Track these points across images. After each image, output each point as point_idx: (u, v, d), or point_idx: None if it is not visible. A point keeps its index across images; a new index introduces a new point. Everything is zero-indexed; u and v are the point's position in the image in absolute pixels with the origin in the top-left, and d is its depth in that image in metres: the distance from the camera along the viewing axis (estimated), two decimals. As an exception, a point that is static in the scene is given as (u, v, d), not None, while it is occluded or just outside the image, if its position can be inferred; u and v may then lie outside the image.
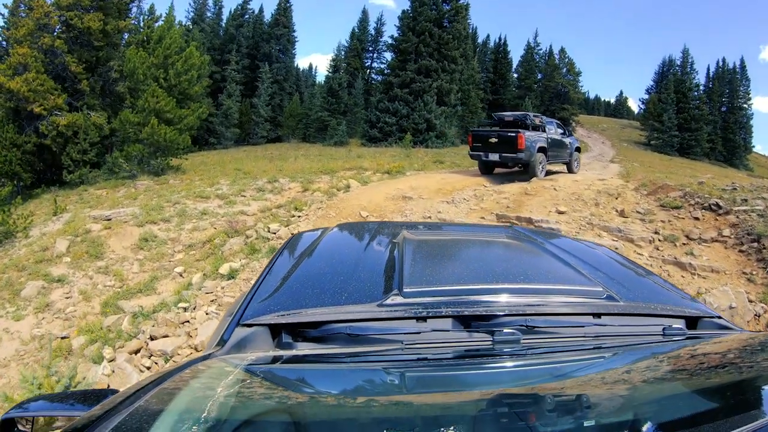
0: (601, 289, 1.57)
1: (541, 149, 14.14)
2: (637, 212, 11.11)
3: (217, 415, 0.87)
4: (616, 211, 11.19)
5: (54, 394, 2.50)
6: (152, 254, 9.50)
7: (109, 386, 5.29)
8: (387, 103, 31.49)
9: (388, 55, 41.40)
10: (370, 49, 51.55)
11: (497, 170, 15.62)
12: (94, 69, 21.83)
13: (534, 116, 14.78)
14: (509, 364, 1.32)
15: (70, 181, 18.92)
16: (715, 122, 50.13)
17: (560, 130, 15.88)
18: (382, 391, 1.13)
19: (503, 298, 1.47)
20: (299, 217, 10.22)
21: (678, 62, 51.85)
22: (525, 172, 14.27)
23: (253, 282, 2.09)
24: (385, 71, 35.67)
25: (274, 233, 9.03)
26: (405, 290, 1.45)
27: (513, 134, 13.28)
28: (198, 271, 8.25)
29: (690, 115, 47.29)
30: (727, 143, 51.08)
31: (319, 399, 1.08)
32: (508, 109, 47.91)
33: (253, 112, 40.97)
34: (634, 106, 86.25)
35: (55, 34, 20.29)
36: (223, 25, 47.68)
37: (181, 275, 8.35)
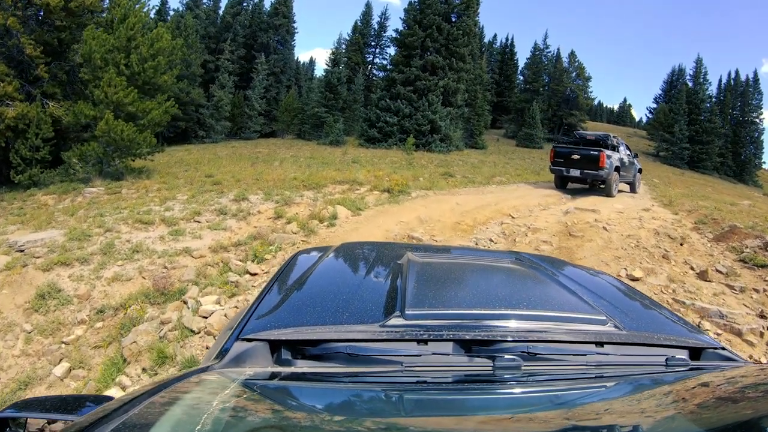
0: (605, 317, 1.51)
1: (616, 168, 14.42)
2: (718, 271, 8.16)
3: (212, 428, 0.83)
4: (692, 269, 8.19)
5: (48, 397, 2.37)
6: (47, 322, 6.35)
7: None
8: (388, 101, 28.12)
9: (391, 51, 38.12)
10: (373, 44, 48.05)
11: (521, 196, 12.77)
12: (57, 53, 18.52)
13: (612, 137, 15.32)
14: (509, 390, 1.27)
15: (19, 183, 15.65)
16: (727, 136, 47.12)
17: (628, 152, 16.21)
18: (379, 413, 1.09)
19: (505, 324, 1.41)
20: (254, 275, 6.95)
21: (690, 72, 48.80)
22: (595, 188, 14.94)
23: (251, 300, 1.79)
24: (388, 67, 32.19)
25: (205, 318, 5.60)
26: (407, 312, 1.40)
27: (596, 153, 13.68)
28: (86, 377, 5.07)
29: (702, 128, 44.43)
30: (737, 158, 48.14)
31: (315, 417, 1.01)
32: (513, 112, 45.38)
33: (247, 105, 37.54)
34: (636, 113, 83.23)
35: (9, 11, 16.94)
36: (221, 13, 44.11)
37: (61, 380, 5.19)
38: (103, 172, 15.25)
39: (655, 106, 54.23)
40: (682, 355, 1.48)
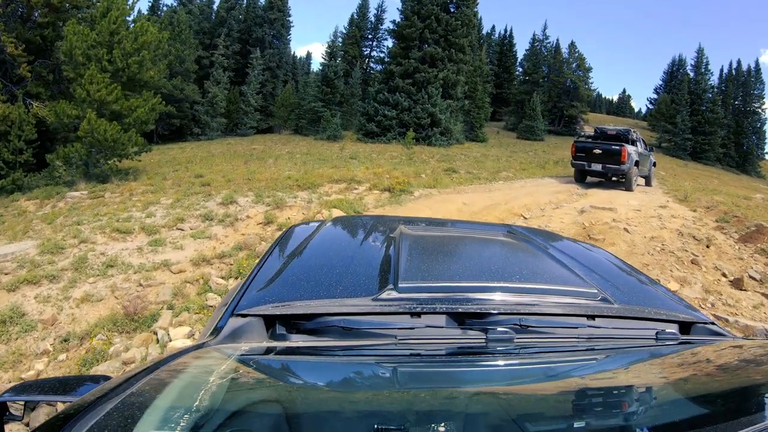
0: (596, 291, 1.52)
1: (635, 163, 14.48)
2: (752, 278, 7.48)
3: (210, 403, 0.84)
4: (725, 276, 7.41)
5: (46, 379, 2.08)
6: (8, 353, 5.49)
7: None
8: (387, 94, 27.13)
9: (388, 44, 37.06)
10: (370, 36, 46.93)
11: (530, 192, 11.86)
12: (40, 51, 17.56)
13: (632, 131, 15.39)
14: (502, 362, 1.26)
15: (2, 187, 14.77)
16: (729, 126, 46.15)
17: (643, 146, 16.35)
18: (373, 385, 1.09)
19: (498, 297, 1.40)
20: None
21: (692, 61, 47.73)
22: (611, 181, 15.00)
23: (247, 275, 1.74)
24: (386, 59, 31.15)
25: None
26: (400, 285, 1.39)
27: (617, 147, 13.82)
28: None
29: (704, 118, 43.47)
30: (740, 149, 47.20)
31: (311, 391, 1.04)
32: (512, 104, 44.37)
33: (242, 101, 36.52)
34: (635, 104, 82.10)
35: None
36: (215, 8, 42.95)
37: None
38: (89, 174, 14.36)
39: (655, 96, 53.20)
40: (672, 329, 1.48)
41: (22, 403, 1.42)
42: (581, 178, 15.34)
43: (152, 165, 17.72)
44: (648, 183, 16.87)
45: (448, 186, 12.20)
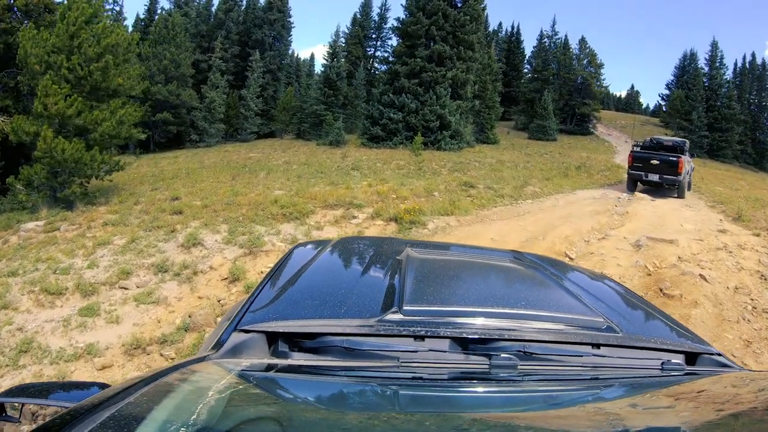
0: (602, 319, 1.48)
1: (687, 172, 14.65)
2: None
3: (207, 418, 0.82)
4: None
5: (45, 383, 2.22)
6: None
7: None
8: (392, 95, 24.60)
9: (393, 42, 34.53)
10: (373, 36, 44.40)
11: (567, 216, 9.54)
12: (4, 61, 15.33)
13: (686, 142, 15.73)
14: (504, 388, 1.23)
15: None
16: (746, 122, 43.28)
17: (689, 154, 15.91)
18: (374, 407, 1.05)
19: (503, 323, 1.37)
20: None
21: (705, 56, 44.84)
22: (670, 191, 14.74)
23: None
24: (390, 59, 28.59)
25: None
26: (405, 308, 1.36)
27: (674, 159, 13.85)
28: None
29: (720, 114, 40.64)
30: (757, 145, 44.29)
31: (310, 410, 0.99)
32: (522, 102, 41.74)
33: (242, 105, 34.18)
34: (643, 100, 79.00)
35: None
36: (213, 10, 40.57)
37: None
38: (56, 198, 12.11)
39: (667, 92, 50.31)
40: (678, 359, 1.41)
41: (19, 405, 1.38)
42: (633, 187, 14.94)
43: (133, 181, 15.45)
44: (689, 187, 16.32)
45: (468, 211, 9.72)
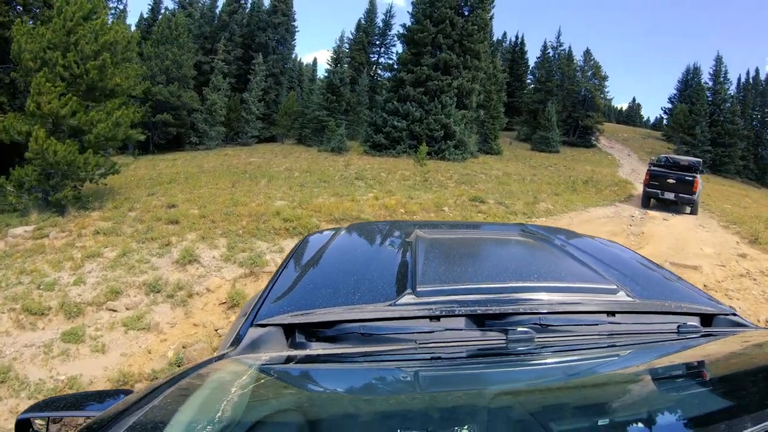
0: (616, 286, 1.46)
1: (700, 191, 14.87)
2: None
3: (232, 414, 0.81)
4: None
5: (69, 395, 1.88)
6: None
7: None
8: (396, 103, 24.07)
9: (398, 49, 34.01)
10: (378, 42, 43.99)
11: None
12: (1, 55, 14.72)
13: (700, 162, 15.58)
14: (523, 362, 1.21)
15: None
16: (749, 138, 42.96)
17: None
18: (395, 390, 1.05)
19: (517, 297, 1.36)
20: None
21: (710, 70, 44.53)
22: (681, 207, 14.83)
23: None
24: (395, 66, 28.05)
25: None
26: (418, 289, 1.35)
27: (690, 178, 14.11)
28: None
29: (723, 129, 40.29)
30: (759, 161, 43.96)
31: (332, 398, 0.99)
32: (525, 113, 41.30)
33: (244, 108, 33.59)
34: (644, 113, 78.64)
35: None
36: (218, 12, 40.01)
37: None
38: (48, 201, 11.48)
39: (670, 106, 50.07)
40: (694, 321, 1.40)
41: (45, 419, 1.35)
42: (647, 203, 15.17)
43: (130, 184, 14.83)
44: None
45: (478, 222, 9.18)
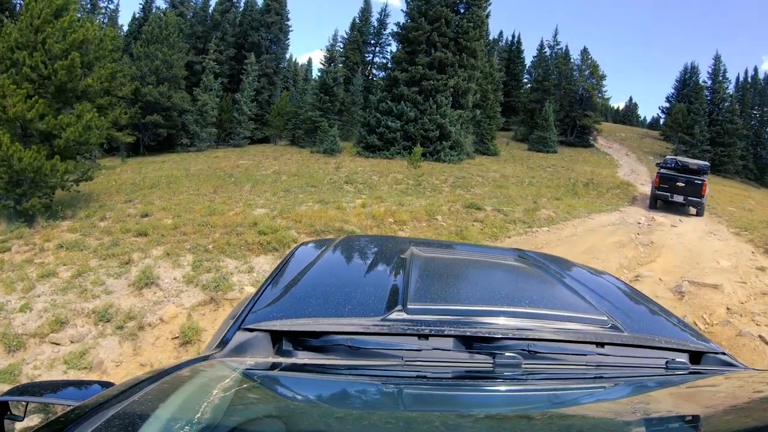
0: (606, 318, 1.41)
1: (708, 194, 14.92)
2: None
3: (211, 416, 0.80)
4: None
5: (48, 381, 2.13)
6: None
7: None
8: (390, 103, 23.29)
9: (392, 48, 33.25)
10: (372, 42, 43.17)
11: (589, 249, 8.37)
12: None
13: (708, 165, 15.79)
14: (509, 387, 1.19)
15: None
16: (747, 137, 42.30)
17: None
18: (378, 406, 1.02)
19: (507, 321, 1.31)
20: None
21: (709, 69, 43.86)
22: (687, 209, 14.94)
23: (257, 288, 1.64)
24: (389, 65, 27.25)
25: None
26: (409, 306, 1.31)
27: (700, 182, 14.21)
28: None
29: (723, 129, 39.58)
30: (758, 160, 43.27)
31: (314, 408, 0.97)
32: (521, 113, 40.51)
33: (236, 109, 32.76)
34: (640, 112, 77.93)
35: None
36: (210, 11, 39.12)
37: None
38: (17, 211, 10.65)
39: (667, 105, 49.36)
40: (683, 358, 1.37)
41: (24, 403, 1.35)
42: (655, 205, 15.25)
43: (110, 189, 14.00)
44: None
45: (476, 241, 8.36)
